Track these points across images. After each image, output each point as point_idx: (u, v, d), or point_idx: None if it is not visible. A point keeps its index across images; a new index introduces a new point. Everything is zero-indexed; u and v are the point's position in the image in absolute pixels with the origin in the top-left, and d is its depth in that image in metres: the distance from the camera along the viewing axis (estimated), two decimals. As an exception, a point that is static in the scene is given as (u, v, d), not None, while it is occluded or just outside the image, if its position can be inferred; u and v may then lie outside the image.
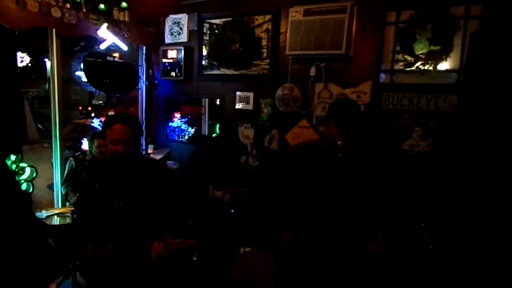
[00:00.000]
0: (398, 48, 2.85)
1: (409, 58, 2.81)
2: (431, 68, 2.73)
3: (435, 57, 2.71)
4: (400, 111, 2.88)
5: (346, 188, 1.95)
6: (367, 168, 2.05)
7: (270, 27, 3.48)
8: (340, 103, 2.13)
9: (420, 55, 2.75)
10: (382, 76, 2.95)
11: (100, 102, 7.54)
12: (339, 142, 1.86)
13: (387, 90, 2.93)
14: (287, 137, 3.48)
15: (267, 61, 3.52)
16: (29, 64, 9.61)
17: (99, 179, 2.02)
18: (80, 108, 6.97)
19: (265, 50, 3.53)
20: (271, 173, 2.32)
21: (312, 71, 3.23)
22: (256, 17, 3.54)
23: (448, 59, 2.68)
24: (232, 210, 3.54)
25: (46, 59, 3.37)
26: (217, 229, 3.47)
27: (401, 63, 2.85)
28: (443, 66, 2.70)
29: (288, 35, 3.21)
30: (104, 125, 1.99)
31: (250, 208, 3.52)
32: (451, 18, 2.63)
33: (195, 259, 3.24)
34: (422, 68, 2.75)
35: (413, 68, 2.79)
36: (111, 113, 4.28)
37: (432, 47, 2.70)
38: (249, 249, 3.18)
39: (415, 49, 2.77)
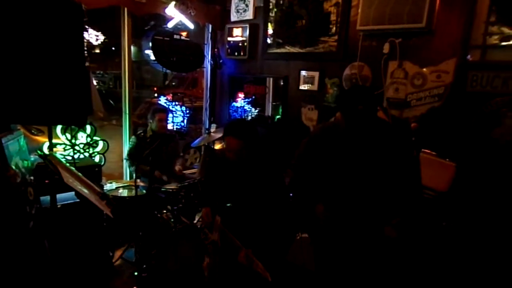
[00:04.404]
0: (493, 19, 2.42)
1: (506, 30, 2.37)
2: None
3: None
4: (490, 94, 2.46)
5: (358, 167, 1.92)
6: (385, 149, 1.91)
7: (340, 0, 3.21)
8: (348, 95, 1.95)
9: (522, 27, 2.31)
10: (469, 53, 2.54)
11: (173, 83, 8.32)
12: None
13: (476, 69, 2.52)
14: (354, 120, 3.23)
15: (335, 37, 3.27)
16: (113, 48, 10.42)
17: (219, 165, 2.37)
18: (155, 88, 7.80)
19: (333, 26, 3.28)
20: (295, 155, 2.28)
21: (386, 48, 2.91)
22: (325, -11, 3.30)
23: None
24: (291, 194, 3.42)
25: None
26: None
27: (496, 37, 2.42)
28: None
29: (360, 8, 2.94)
30: (223, 133, 2.23)
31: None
32: None
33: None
34: (523, 42, 2.31)
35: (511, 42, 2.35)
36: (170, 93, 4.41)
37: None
38: (306, 235, 3.05)
39: (515, 20, 2.33)
